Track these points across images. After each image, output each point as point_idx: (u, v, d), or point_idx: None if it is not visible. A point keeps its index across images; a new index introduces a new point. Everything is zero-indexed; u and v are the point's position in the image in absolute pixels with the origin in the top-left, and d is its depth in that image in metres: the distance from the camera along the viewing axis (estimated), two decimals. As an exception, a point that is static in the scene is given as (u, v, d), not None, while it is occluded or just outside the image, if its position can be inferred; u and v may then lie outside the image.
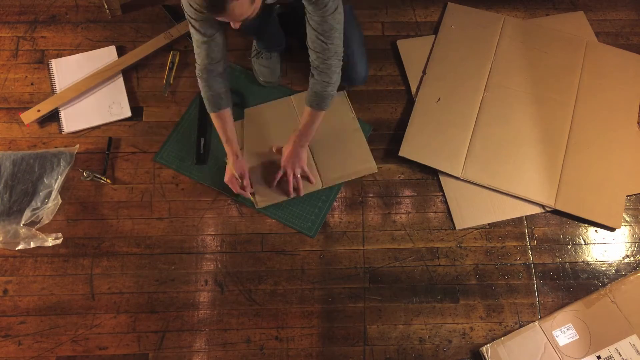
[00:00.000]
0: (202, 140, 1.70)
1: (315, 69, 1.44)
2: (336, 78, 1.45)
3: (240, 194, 1.60)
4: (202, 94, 1.50)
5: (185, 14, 1.36)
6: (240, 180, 1.59)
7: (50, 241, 1.56)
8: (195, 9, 1.31)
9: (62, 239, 1.57)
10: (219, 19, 1.22)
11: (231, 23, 1.25)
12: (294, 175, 1.61)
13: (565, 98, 1.81)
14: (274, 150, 1.67)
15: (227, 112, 1.53)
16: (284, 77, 1.84)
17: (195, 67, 1.47)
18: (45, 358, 1.48)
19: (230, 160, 1.58)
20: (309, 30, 1.37)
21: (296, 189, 1.63)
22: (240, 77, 1.81)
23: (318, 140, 1.68)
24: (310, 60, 1.44)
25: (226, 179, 1.60)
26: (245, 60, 1.85)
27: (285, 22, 1.75)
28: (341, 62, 1.44)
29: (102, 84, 1.78)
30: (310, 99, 1.50)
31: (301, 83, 1.83)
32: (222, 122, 1.53)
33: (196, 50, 1.43)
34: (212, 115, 1.53)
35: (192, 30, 1.39)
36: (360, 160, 1.71)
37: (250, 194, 1.62)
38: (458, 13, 1.96)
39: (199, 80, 1.48)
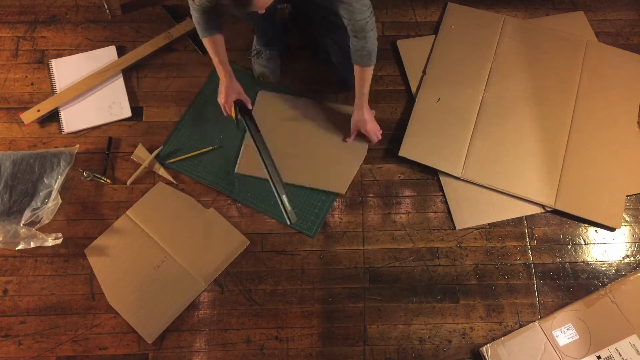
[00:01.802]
0: (283, 196, 1.64)
1: (357, 32, 1.45)
2: (374, 32, 1.47)
3: (229, 116, 1.70)
4: (195, 18, 1.50)
5: None
6: (231, 105, 1.68)
7: (50, 241, 1.55)
8: None
9: (62, 239, 1.57)
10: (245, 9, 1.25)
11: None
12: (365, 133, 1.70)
13: (565, 98, 1.81)
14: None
15: (220, 37, 1.56)
16: (284, 77, 1.84)
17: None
18: (45, 358, 1.48)
19: (223, 81, 1.65)
20: (343, 8, 1.40)
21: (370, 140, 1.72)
22: (240, 77, 1.81)
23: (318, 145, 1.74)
24: (345, 24, 1.46)
25: (221, 99, 1.67)
26: (245, 60, 1.85)
27: (294, 20, 1.79)
28: (374, 16, 1.45)
29: (102, 84, 1.78)
30: (356, 58, 1.52)
31: (301, 83, 1.83)
32: (215, 45, 1.57)
33: None
34: (205, 40, 1.56)
35: None
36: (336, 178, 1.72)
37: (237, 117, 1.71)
38: (458, 13, 1.96)
39: (193, 6, 1.47)
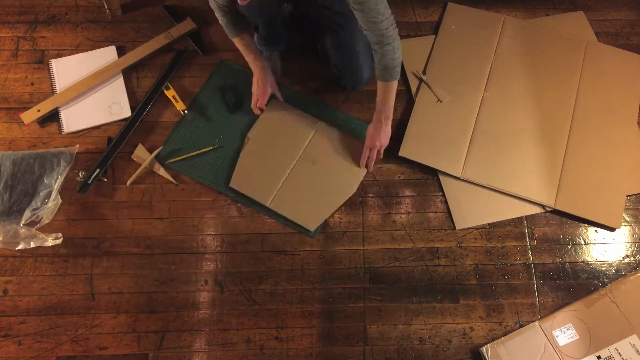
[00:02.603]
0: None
1: (375, 44, 1.40)
2: (398, 43, 1.40)
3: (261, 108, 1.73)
4: (222, 21, 1.54)
5: None
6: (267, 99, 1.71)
7: (50, 241, 1.56)
8: None
9: (62, 239, 1.57)
10: None
11: None
12: (378, 151, 1.64)
13: (565, 98, 1.81)
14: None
15: (248, 35, 1.62)
16: (284, 77, 1.84)
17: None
18: (45, 358, 1.48)
19: (259, 75, 1.67)
20: (358, 15, 1.33)
21: (369, 164, 1.67)
22: (240, 77, 1.81)
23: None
24: (368, 38, 1.40)
25: (258, 92, 1.69)
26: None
27: (294, 20, 1.79)
28: (396, 27, 1.38)
29: (102, 84, 1.78)
30: (381, 73, 1.47)
31: (301, 83, 1.83)
32: (246, 42, 1.62)
33: None
34: (236, 40, 1.61)
35: None
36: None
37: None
38: (458, 13, 1.96)
39: (216, 10, 1.51)
